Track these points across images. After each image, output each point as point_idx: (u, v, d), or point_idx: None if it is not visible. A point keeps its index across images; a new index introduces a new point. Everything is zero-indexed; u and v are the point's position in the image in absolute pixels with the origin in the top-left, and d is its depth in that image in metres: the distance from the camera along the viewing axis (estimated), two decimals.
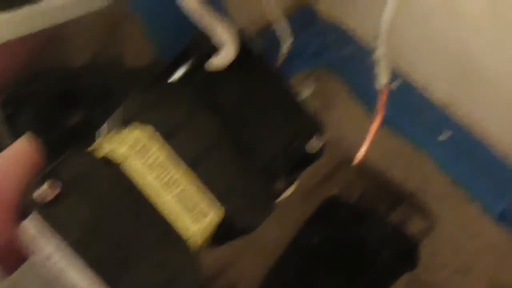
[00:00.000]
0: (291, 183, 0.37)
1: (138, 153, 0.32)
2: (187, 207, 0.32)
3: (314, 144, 0.37)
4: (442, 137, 0.49)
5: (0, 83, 0.50)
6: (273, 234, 0.60)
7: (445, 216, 0.58)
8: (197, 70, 0.36)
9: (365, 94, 0.53)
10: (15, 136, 0.52)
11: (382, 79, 0.35)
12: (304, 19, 0.52)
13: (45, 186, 0.29)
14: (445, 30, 0.42)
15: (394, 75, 0.49)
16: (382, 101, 0.35)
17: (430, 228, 0.59)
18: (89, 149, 0.33)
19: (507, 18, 0.36)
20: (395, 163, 0.57)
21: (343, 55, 0.51)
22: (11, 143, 0.52)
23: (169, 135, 0.33)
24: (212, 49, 0.36)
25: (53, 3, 0.44)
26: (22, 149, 0.32)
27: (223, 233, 0.34)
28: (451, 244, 0.59)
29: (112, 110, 0.55)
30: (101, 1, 0.45)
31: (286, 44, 0.40)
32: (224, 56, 0.35)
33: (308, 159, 0.37)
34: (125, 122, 0.33)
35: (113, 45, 0.53)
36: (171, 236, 0.31)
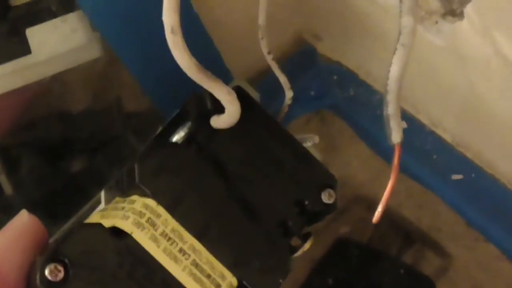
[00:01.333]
0: (307, 239, 0.34)
1: (144, 226, 0.30)
2: (199, 278, 0.31)
3: (328, 196, 0.35)
4: (453, 179, 0.48)
5: None
6: None
7: (461, 255, 0.56)
8: (200, 128, 0.34)
9: (369, 134, 0.52)
10: (17, 187, 0.51)
11: (395, 136, 0.33)
12: (305, 60, 0.51)
13: (52, 267, 0.28)
14: (452, 74, 0.41)
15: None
16: (396, 158, 0.33)
17: (445, 267, 0.57)
18: (93, 221, 0.31)
19: None
20: (406, 203, 0.56)
21: (346, 96, 0.50)
22: (14, 194, 0.51)
23: (172, 207, 0.31)
24: (215, 105, 0.34)
25: (43, 55, 0.43)
26: (23, 226, 0.30)
27: None
28: (470, 284, 0.57)
29: (112, 157, 0.54)
30: (93, 53, 0.44)
31: (288, 96, 0.38)
32: (227, 119, 0.33)
33: (323, 211, 0.35)
34: (124, 193, 0.32)
35: (111, 90, 0.52)
36: None
